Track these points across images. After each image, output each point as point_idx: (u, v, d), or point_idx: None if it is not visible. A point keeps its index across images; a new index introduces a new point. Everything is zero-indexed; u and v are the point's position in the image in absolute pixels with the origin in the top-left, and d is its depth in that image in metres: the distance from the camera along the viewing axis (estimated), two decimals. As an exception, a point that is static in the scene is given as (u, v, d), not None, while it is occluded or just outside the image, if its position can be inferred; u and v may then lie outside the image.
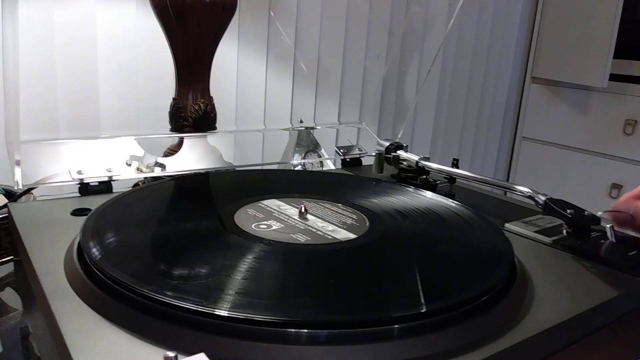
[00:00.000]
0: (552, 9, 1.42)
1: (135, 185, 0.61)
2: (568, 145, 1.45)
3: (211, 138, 0.70)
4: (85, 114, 0.81)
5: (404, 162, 0.66)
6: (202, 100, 0.68)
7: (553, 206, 0.47)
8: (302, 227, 0.43)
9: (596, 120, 1.39)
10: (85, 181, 0.53)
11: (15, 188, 0.51)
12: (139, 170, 0.58)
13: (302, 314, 0.30)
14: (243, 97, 0.97)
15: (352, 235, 0.42)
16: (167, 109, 0.69)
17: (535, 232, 0.48)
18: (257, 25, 0.97)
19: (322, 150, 0.85)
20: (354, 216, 0.46)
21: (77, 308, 0.32)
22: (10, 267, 0.57)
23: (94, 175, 0.53)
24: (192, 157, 0.67)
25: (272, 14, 0.98)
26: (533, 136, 1.53)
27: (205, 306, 0.29)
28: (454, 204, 0.51)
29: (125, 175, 0.56)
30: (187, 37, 0.64)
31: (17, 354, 0.47)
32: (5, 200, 0.59)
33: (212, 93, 0.70)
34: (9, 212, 0.48)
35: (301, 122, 0.92)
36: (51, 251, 0.39)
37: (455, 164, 0.63)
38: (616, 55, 1.27)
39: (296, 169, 0.81)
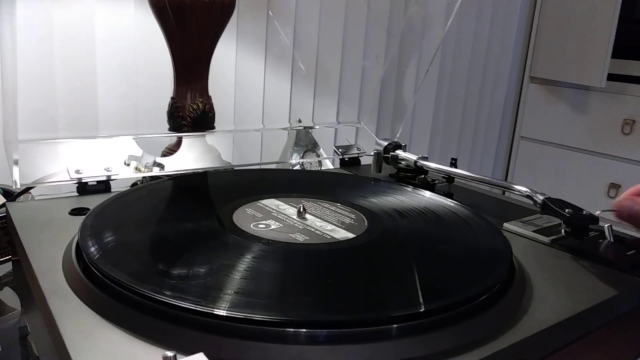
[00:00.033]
0: (550, 9, 1.42)
1: (134, 184, 0.61)
2: (566, 144, 1.45)
3: (210, 137, 0.70)
4: (84, 113, 0.81)
5: (403, 162, 0.66)
6: (200, 100, 0.68)
7: (551, 205, 0.47)
8: (300, 227, 0.43)
9: (594, 119, 1.39)
10: (83, 181, 0.53)
11: (14, 187, 0.51)
12: (137, 169, 0.58)
13: (301, 314, 0.30)
14: (241, 96, 0.97)
15: (350, 235, 0.42)
16: (166, 108, 0.69)
17: (534, 231, 0.48)
18: (255, 25, 0.97)
19: (321, 149, 0.85)
20: (353, 216, 0.46)
21: (76, 308, 0.32)
22: (8, 267, 0.57)
23: (93, 174, 0.53)
24: (191, 156, 0.67)
25: (270, 13, 0.98)
26: (531, 136, 1.53)
27: (204, 306, 0.29)
28: (452, 204, 0.51)
29: (124, 174, 0.56)
30: (186, 37, 0.64)
31: (16, 353, 0.47)
32: (4, 200, 0.59)
33: (210, 92, 0.70)
34: (7, 211, 0.48)
35: (300, 121, 0.92)
36: (49, 251, 0.39)
37: (453, 164, 0.63)
38: (614, 55, 1.27)
39: (295, 168, 0.81)
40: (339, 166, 0.74)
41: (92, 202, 0.47)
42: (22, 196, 0.57)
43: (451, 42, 1.34)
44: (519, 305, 0.35)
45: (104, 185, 0.54)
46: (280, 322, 0.29)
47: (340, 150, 0.74)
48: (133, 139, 0.63)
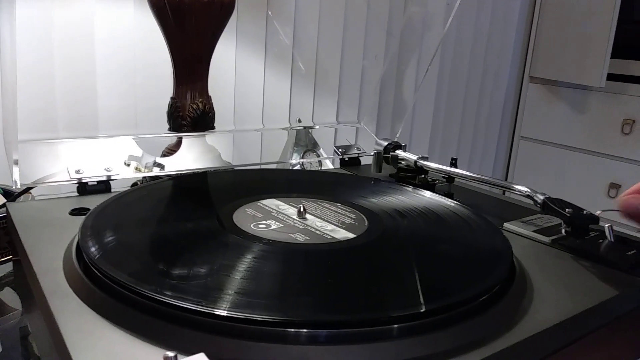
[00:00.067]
0: (550, 9, 1.43)
1: (134, 184, 0.61)
2: (566, 144, 1.45)
3: (210, 137, 0.70)
4: (84, 113, 0.81)
5: (403, 162, 0.66)
6: (200, 100, 0.68)
7: (552, 205, 0.47)
8: (301, 227, 0.43)
9: (594, 119, 1.39)
10: (83, 181, 0.53)
11: (14, 187, 0.51)
12: (137, 169, 0.58)
13: (301, 314, 0.30)
14: (241, 96, 0.97)
15: (351, 235, 0.42)
16: (166, 108, 0.69)
17: (534, 231, 0.48)
18: (255, 25, 0.97)
19: (321, 149, 0.85)
20: (353, 216, 0.46)
21: (76, 308, 0.32)
22: (9, 267, 0.57)
23: (93, 174, 0.53)
24: (191, 156, 0.67)
25: (270, 13, 0.98)
26: (531, 136, 1.53)
27: (204, 306, 0.29)
28: (452, 204, 0.51)
29: (124, 174, 0.56)
30: (185, 37, 0.64)
31: (17, 353, 0.47)
32: (4, 200, 0.59)
33: (210, 92, 0.70)
34: (7, 211, 0.48)
35: (300, 121, 0.92)
36: (50, 251, 0.39)
37: (453, 164, 0.63)
38: (614, 55, 1.27)
39: (295, 168, 0.81)
40: (339, 166, 0.74)
41: (93, 202, 0.47)
42: (22, 196, 0.57)
43: (451, 42, 1.34)
44: (520, 305, 0.35)
45: (104, 186, 0.54)
46: (280, 322, 0.29)
47: (340, 150, 0.74)
48: (133, 139, 0.63)
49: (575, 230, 0.45)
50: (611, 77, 1.30)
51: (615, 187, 1.35)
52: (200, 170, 0.61)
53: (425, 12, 1.22)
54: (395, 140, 0.69)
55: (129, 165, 0.58)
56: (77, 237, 0.39)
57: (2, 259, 0.56)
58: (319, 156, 0.84)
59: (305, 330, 0.28)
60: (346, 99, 1.15)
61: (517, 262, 0.40)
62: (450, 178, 0.63)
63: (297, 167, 0.81)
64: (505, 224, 0.50)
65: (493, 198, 0.61)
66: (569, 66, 1.37)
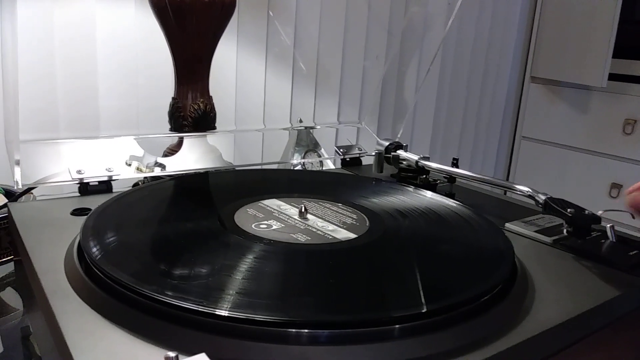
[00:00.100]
0: (551, 9, 1.42)
1: (135, 185, 0.61)
2: (568, 144, 1.45)
3: (211, 138, 0.70)
4: (85, 113, 0.81)
5: (404, 162, 0.66)
6: (201, 100, 0.68)
7: (553, 205, 0.47)
8: (302, 227, 0.43)
9: (596, 119, 1.39)
10: (85, 181, 0.53)
11: (15, 188, 0.51)
12: (138, 170, 0.58)
13: (302, 314, 0.30)
14: (242, 96, 0.97)
15: (352, 235, 0.42)
16: (167, 108, 0.69)
17: (536, 231, 0.48)
18: (256, 25, 0.97)
19: (322, 149, 0.85)
20: (354, 216, 0.46)
21: (78, 308, 0.32)
22: (10, 267, 0.57)
23: (94, 175, 0.53)
24: (192, 156, 0.67)
25: (271, 13, 0.98)
26: (533, 136, 1.53)
27: (205, 306, 0.29)
28: (454, 204, 0.51)
29: (125, 175, 0.56)
30: (186, 37, 0.64)
31: (18, 353, 0.47)
32: (5, 200, 0.59)
33: (211, 93, 0.70)
34: (8, 211, 0.48)
35: (301, 121, 0.92)
36: (51, 251, 0.39)
37: (455, 164, 0.63)
38: (615, 55, 1.27)
39: (296, 168, 0.81)
40: (340, 166, 0.74)
41: (94, 202, 0.47)
42: (23, 196, 0.57)
43: (452, 42, 1.34)
44: (521, 305, 0.35)
45: (105, 186, 0.54)
46: (281, 322, 0.29)
47: (341, 150, 0.74)
48: (134, 139, 0.63)
49: (576, 230, 0.45)
50: (612, 77, 1.30)
51: (616, 187, 1.35)
52: (201, 171, 0.61)
53: (426, 12, 1.22)
54: (397, 140, 0.69)
55: (130, 165, 0.58)
56: (79, 237, 0.39)
57: (4, 259, 0.56)
58: (320, 156, 0.84)
59: (306, 330, 0.28)
60: (347, 99, 1.15)
61: (518, 262, 0.40)
62: (451, 178, 0.63)
63: (299, 167, 0.81)
64: (507, 224, 0.50)
65: (494, 198, 0.61)
66: (571, 66, 1.37)
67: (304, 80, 1.07)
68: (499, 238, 0.43)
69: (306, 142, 0.84)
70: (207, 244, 0.39)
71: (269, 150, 0.98)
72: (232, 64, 0.95)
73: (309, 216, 0.46)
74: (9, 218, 0.49)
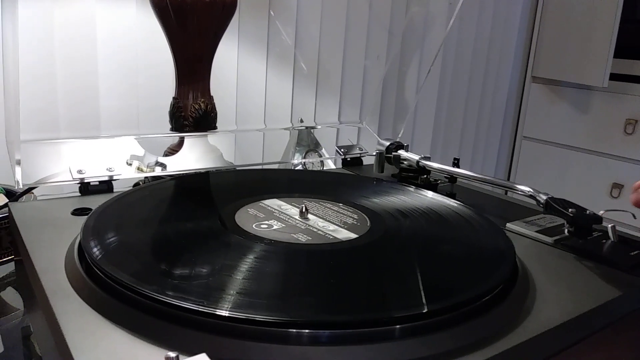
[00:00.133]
0: (552, 8, 1.42)
1: (136, 184, 0.61)
2: (569, 144, 1.45)
3: (211, 137, 0.70)
4: (86, 113, 0.81)
5: (405, 162, 0.66)
6: (202, 100, 0.68)
7: (554, 205, 0.47)
8: (303, 227, 0.43)
9: (597, 119, 1.38)
10: (85, 181, 0.53)
11: (16, 187, 0.51)
12: (139, 169, 0.58)
13: (303, 314, 0.30)
14: (243, 96, 0.97)
15: (353, 235, 0.42)
16: (168, 108, 0.69)
17: (537, 231, 0.48)
18: (257, 25, 0.97)
19: (323, 149, 0.85)
20: (355, 216, 0.46)
21: (78, 308, 0.32)
22: (11, 267, 0.57)
23: (95, 174, 0.53)
24: (193, 156, 0.67)
25: (272, 13, 0.98)
26: (534, 135, 1.53)
27: (206, 306, 0.29)
28: (455, 204, 0.51)
29: (126, 174, 0.56)
30: (187, 37, 0.64)
31: (19, 353, 0.47)
32: (6, 200, 0.59)
33: (212, 92, 0.70)
34: (9, 211, 0.48)
35: (301, 121, 0.92)
36: (52, 251, 0.39)
37: (456, 164, 0.62)
38: (617, 55, 1.27)
39: (297, 168, 0.81)
40: (341, 166, 0.74)
41: (95, 202, 0.47)
42: (24, 196, 0.57)
43: (453, 42, 1.33)
44: (522, 306, 0.35)
45: (106, 185, 0.54)
46: (282, 322, 0.29)
47: (342, 150, 0.74)
48: (135, 139, 0.63)
49: (578, 230, 0.45)
50: (614, 76, 1.30)
51: (617, 187, 1.35)
52: (202, 170, 0.61)
53: (427, 12, 1.22)
54: (398, 140, 0.69)
55: (130, 165, 0.58)
56: (79, 237, 0.39)
57: (5, 259, 0.56)
58: (321, 156, 0.84)
59: (307, 330, 0.28)
60: (348, 99, 1.15)
61: (519, 262, 0.40)
62: (452, 178, 0.63)
63: (299, 167, 0.81)
64: (508, 224, 0.50)
65: (495, 198, 0.61)
66: (572, 66, 1.37)
67: (305, 80, 1.07)
68: (499, 238, 0.43)
69: (307, 142, 0.84)
70: (208, 244, 0.39)
71: (270, 150, 0.98)
72: (233, 63, 0.95)
73: (309, 216, 0.46)
74: (9, 218, 0.49)
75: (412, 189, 0.56)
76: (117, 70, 0.82)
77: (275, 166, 0.77)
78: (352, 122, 1.14)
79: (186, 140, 0.68)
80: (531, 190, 0.51)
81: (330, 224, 0.44)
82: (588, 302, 0.36)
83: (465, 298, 0.32)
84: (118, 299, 0.31)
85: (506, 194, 0.61)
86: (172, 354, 0.24)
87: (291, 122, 1.05)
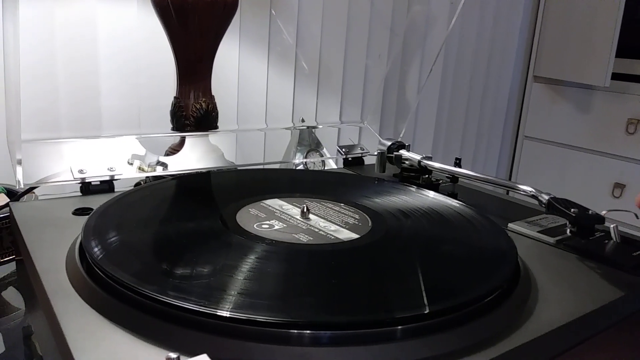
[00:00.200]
0: (554, 8, 1.42)
1: (137, 184, 0.61)
2: (570, 144, 1.44)
3: (213, 137, 0.70)
4: (87, 113, 0.81)
5: (406, 162, 0.66)
6: (203, 99, 0.68)
7: (557, 205, 0.47)
8: (304, 227, 0.43)
9: (599, 119, 1.38)
10: (87, 180, 0.53)
11: (17, 187, 0.51)
12: (140, 169, 0.58)
13: (304, 315, 0.30)
14: (244, 96, 0.97)
15: (354, 235, 0.42)
16: (169, 108, 0.69)
17: (539, 232, 0.48)
18: (258, 24, 0.97)
19: (324, 149, 0.85)
20: (357, 216, 0.46)
21: (79, 308, 0.31)
22: (12, 267, 0.57)
23: (96, 174, 0.53)
24: (194, 156, 0.67)
25: (273, 12, 0.98)
26: (535, 135, 1.53)
27: (207, 307, 0.29)
28: (456, 204, 0.51)
29: (127, 174, 0.56)
30: (189, 36, 0.64)
31: (20, 353, 0.47)
32: (7, 200, 0.59)
33: (213, 92, 0.70)
34: (10, 211, 0.48)
35: (303, 121, 0.92)
36: (53, 251, 0.39)
37: (457, 163, 0.62)
38: (619, 54, 1.26)
39: (298, 168, 0.80)
40: (342, 166, 0.73)
41: (96, 202, 0.47)
42: (25, 196, 0.57)
43: (454, 41, 1.33)
44: (524, 306, 0.35)
45: (107, 185, 0.54)
46: (283, 323, 0.28)
47: (343, 150, 0.74)
48: (136, 138, 0.63)
49: (580, 230, 0.45)
50: (616, 76, 1.29)
51: (619, 187, 1.34)
52: (203, 170, 0.61)
53: (429, 11, 1.22)
54: (399, 139, 0.69)
55: (132, 164, 0.58)
56: (80, 237, 0.39)
57: (6, 259, 0.56)
58: (322, 156, 0.84)
59: (308, 331, 0.28)
60: (349, 98, 1.15)
61: (521, 262, 0.40)
62: (454, 178, 0.63)
63: (301, 167, 0.81)
64: (510, 225, 0.50)
65: (497, 198, 0.61)
66: (573, 65, 1.37)
67: (306, 80, 1.07)
68: (501, 238, 0.43)
69: (308, 141, 0.84)
70: (209, 244, 0.39)
71: (271, 150, 0.98)
72: (234, 63, 0.95)
73: (311, 216, 0.45)
74: (10, 217, 0.49)
75: (413, 189, 0.56)
76: (118, 69, 0.82)
77: (277, 166, 0.77)
78: (354, 121, 1.14)
79: (187, 140, 0.68)
80: (533, 190, 0.51)
81: (332, 224, 0.44)
82: (590, 303, 0.36)
83: (467, 299, 0.32)
84: (119, 299, 0.31)
85: (508, 194, 0.61)
86: (173, 355, 0.24)
87: (292, 121, 1.05)
